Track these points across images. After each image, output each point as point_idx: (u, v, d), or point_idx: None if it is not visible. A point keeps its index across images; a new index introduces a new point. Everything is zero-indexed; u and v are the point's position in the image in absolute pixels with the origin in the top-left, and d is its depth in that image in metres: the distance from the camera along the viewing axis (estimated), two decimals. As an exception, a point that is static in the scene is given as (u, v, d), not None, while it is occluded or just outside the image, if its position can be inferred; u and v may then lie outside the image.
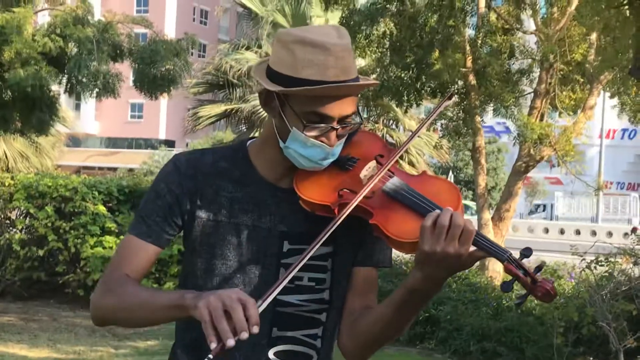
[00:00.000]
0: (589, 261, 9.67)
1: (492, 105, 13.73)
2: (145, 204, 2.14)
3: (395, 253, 2.61)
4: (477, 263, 14.15)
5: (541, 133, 12.48)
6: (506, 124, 21.36)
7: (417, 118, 22.17)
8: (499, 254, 1.87)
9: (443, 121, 14.12)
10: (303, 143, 2.02)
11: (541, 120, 12.99)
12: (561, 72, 12.84)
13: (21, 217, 12.14)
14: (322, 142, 2.01)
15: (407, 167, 22.54)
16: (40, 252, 11.67)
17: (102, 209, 11.66)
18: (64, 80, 16.81)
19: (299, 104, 2.00)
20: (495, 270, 12.85)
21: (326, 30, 2.03)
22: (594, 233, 30.34)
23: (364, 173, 2.08)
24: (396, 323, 2.05)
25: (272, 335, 2.10)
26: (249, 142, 2.20)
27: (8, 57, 14.33)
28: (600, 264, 9.65)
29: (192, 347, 2.14)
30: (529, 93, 13.82)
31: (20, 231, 12.07)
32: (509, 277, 1.90)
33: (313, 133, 2.01)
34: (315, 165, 2.05)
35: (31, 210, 11.66)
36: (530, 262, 1.90)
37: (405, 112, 16.88)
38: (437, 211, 1.89)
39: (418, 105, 14.16)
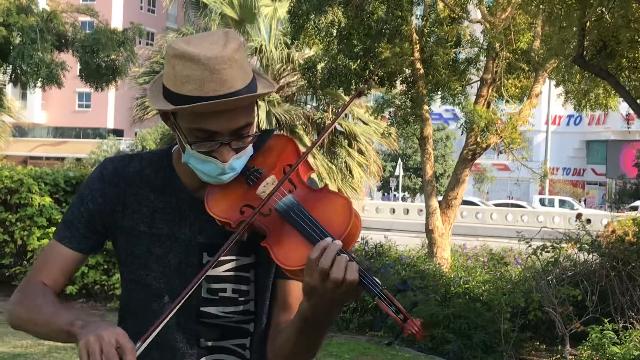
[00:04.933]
0: (535, 247, 9.82)
1: (439, 93, 13.83)
2: (70, 209, 2.14)
3: None
4: (425, 250, 14.26)
5: (488, 120, 12.61)
6: (454, 112, 21.55)
7: (366, 106, 22.22)
8: (371, 289, 1.83)
9: (391, 109, 14.19)
10: (198, 159, 1.97)
11: (488, 108, 13.13)
12: (507, 61, 12.97)
13: (-35, 210, 11.95)
14: (214, 157, 1.96)
15: (356, 155, 22.62)
16: (-14, 245, 11.51)
17: (48, 200, 11.52)
18: (9, 70, 16.60)
19: (185, 120, 1.96)
20: (444, 257, 12.98)
21: (211, 40, 1.96)
22: (538, 218, 30.80)
23: (261, 189, 2.02)
24: (301, 346, 2.01)
25: (201, 346, 2.09)
26: (175, 147, 2.16)
27: (-51, 46, 14.09)
28: (546, 250, 9.80)
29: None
30: (476, 81, 13.94)
31: (-35, 224, 11.88)
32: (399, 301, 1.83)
33: (203, 149, 1.96)
34: (216, 180, 2.01)
35: (-24, 203, 11.48)
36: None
37: (354, 100, 16.93)
38: (326, 242, 1.84)
39: (366, 94, 14.21)
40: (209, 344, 2.09)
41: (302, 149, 2.10)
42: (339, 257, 1.82)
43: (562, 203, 45.50)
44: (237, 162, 2.00)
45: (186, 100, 1.91)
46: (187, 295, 1.91)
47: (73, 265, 2.12)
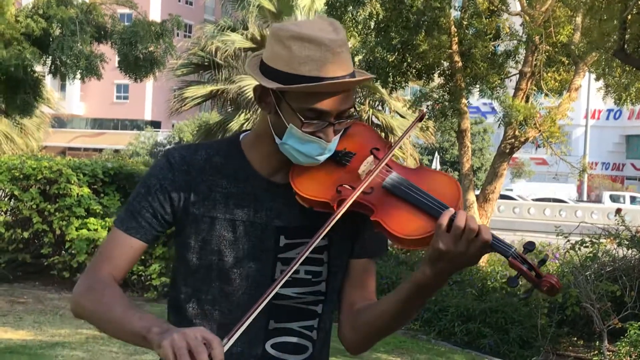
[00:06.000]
0: (573, 242, 9.72)
1: (477, 86, 13.73)
2: (135, 199, 2.13)
3: None
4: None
5: (526, 114, 12.50)
6: (492, 105, 21.40)
7: (403, 99, 22.15)
8: (505, 249, 1.91)
9: (429, 103, 14.12)
10: (300, 139, 2.01)
11: (526, 101, 13.01)
12: (546, 54, 12.84)
13: (5, 199, 12.08)
14: (319, 137, 2.01)
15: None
16: (25, 234, 11.62)
17: (86, 191, 11.61)
18: (48, 62, 16.75)
19: (296, 100, 1.99)
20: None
21: (321, 25, 2.02)
22: (577, 213, 30.51)
23: (362, 168, 2.08)
24: (401, 316, 2.07)
25: (269, 328, 2.11)
26: (242, 135, 2.20)
27: (-9, 38, 14.24)
28: (584, 245, 9.70)
29: None
30: (515, 75, 13.83)
31: (5, 213, 12.01)
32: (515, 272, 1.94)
33: (310, 129, 2.00)
34: (312, 160, 2.05)
35: (16, 192, 11.59)
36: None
37: (391, 93, 16.89)
38: (450, 210, 1.92)
39: (403, 87, 14.16)
40: (277, 325, 2.12)
41: None
42: (471, 218, 1.90)
43: (633, 199, 44.31)
44: (334, 143, 2.06)
45: (304, 80, 1.96)
46: (276, 286, 1.94)
47: (138, 255, 2.13)
